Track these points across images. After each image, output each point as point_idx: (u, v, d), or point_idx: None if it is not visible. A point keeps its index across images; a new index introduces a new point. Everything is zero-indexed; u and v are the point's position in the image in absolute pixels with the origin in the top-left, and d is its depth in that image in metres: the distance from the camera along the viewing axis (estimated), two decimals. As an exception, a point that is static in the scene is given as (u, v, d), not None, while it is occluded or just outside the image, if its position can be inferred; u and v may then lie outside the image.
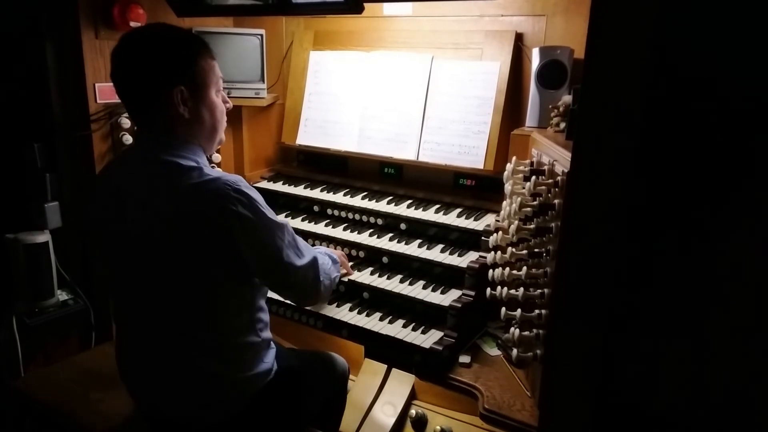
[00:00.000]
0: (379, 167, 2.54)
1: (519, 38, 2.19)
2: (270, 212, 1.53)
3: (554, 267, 1.40)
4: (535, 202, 1.58)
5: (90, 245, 1.68)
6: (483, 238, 1.99)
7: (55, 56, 2.20)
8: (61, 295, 2.36)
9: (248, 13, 2.44)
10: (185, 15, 2.39)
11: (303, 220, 2.42)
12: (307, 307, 2.07)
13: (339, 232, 2.28)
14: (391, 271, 2.13)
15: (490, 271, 1.79)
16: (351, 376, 2.32)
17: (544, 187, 1.53)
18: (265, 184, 2.59)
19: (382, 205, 2.29)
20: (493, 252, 1.82)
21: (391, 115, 2.40)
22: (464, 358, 1.86)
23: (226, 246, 1.45)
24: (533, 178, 1.55)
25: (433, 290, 1.99)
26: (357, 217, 2.33)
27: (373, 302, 2.08)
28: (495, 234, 1.83)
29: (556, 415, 1.43)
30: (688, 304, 1.25)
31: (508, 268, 1.66)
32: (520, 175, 1.78)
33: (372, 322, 1.97)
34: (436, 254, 2.06)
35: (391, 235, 2.23)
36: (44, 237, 2.23)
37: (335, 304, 2.09)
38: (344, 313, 2.03)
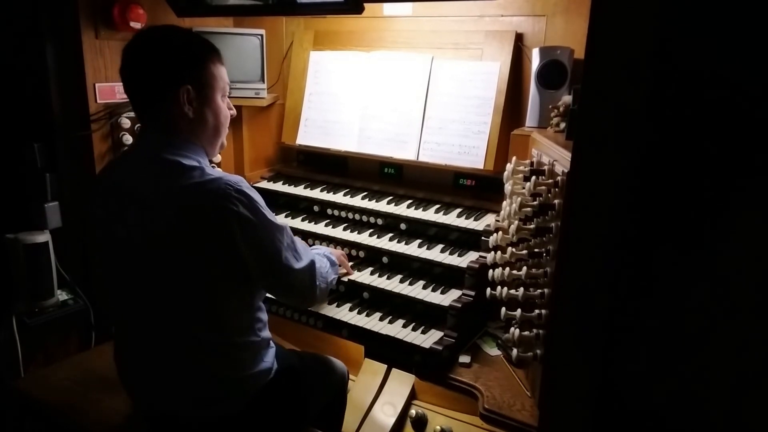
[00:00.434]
0: (379, 167, 2.54)
1: (519, 38, 2.19)
2: (270, 214, 1.53)
3: (554, 267, 1.40)
4: (535, 202, 1.58)
5: (90, 244, 1.68)
6: (483, 238, 1.99)
7: (55, 56, 2.20)
8: (61, 295, 2.36)
9: (248, 13, 2.44)
10: (185, 15, 2.39)
11: (303, 220, 2.42)
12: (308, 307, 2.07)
13: (339, 232, 2.28)
14: (391, 271, 2.13)
15: (490, 271, 1.79)
16: (351, 376, 2.32)
17: (544, 187, 1.53)
18: (265, 184, 2.59)
19: (382, 205, 2.29)
20: (493, 252, 1.82)
21: (391, 115, 2.40)
22: (464, 358, 1.86)
23: (226, 245, 1.45)
24: (533, 178, 1.55)
25: (433, 290, 1.99)
26: (357, 217, 2.33)
27: (373, 302, 2.07)
28: (495, 234, 1.83)
29: (556, 415, 1.43)
30: (688, 304, 1.25)
31: (508, 268, 1.66)
32: (520, 175, 1.78)
33: (372, 322, 1.97)
34: (436, 254, 2.06)
35: (391, 235, 2.23)
36: (44, 237, 2.23)
37: (335, 304, 2.09)
38: (344, 313, 2.03)
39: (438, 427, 2.32)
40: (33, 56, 2.20)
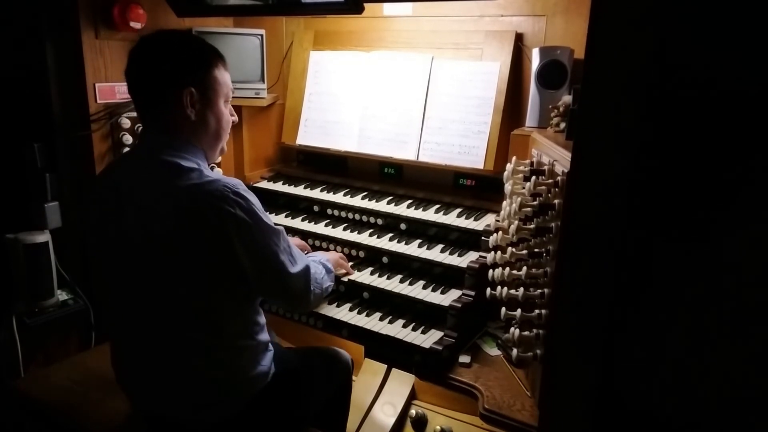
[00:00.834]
0: (379, 167, 2.54)
1: (519, 38, 2.19)
2: (267, 217, 1.54)
3: (554, 267, 1.40)
4: (535, 202, 1.58)
5: (89, 244, 1.68)
6: (483, 238, 1.99)
7: (55, 56, 2.20)
8: (61, 295, 2.36)
9: (248, 13, 2.44)
10: (185, 15, 2.39)
11: (303, 220, 2.42)
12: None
13: (339, 232, 2.28)
14: (391, 271, 2.13)
15: (490, 271, 1.79)
16: (352, 376, 2.31)
17: (544, 187, 1.53)
18: (265, 184, 2.59)
19: (382, 205, 2.29)
20: (493, 252, 1.82)
21: (391, 115, 2.40)
22: (464, 358, 1.86)
23: (222, 247, 1.45)
24: (533, 178, 1.55)
25: (433, 290, 1.99)
26: (357, 217, 2.33)
27: (373, 302, 2.07)
28: (495, 234, 1.83)
29: (556, 415, 1.43)
30: (689, 304, 1.25)
31: (508, 268, 1.66)
32: (520, 175, 1.78)
33: (372, 322, 1.97)
34: (436, 254, 2.06)
35: (391, 235, 2.23)
36: (44, 237, 2.23)
37: (335, 304, 2.09)
38: (344, 313, 2.03)
39: (438, 427, 2.32)
40: (33, 56, 2.20)
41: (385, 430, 2.38)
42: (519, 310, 1.57)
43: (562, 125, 1.78)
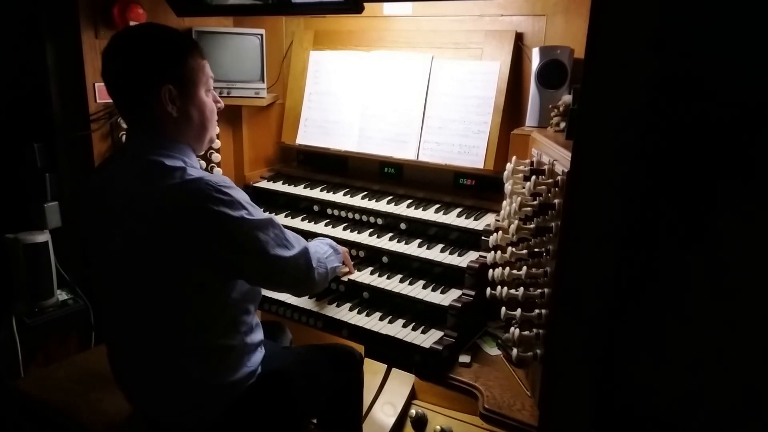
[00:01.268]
0: (379, 167, 2.54)
1: (519, 38, 2.19)
2: (254, 209, 1.50)
3: (554, 267, 1.40)
4: (535, 202, 1.58)
5: (86, 246, 1.68)
6: (483, 237, 1.99)
7: (55, 56, 2.20)
8: (61, 295, 2.36)
9: (248, 13, 2.44)
10: (185, 15, 2.39)
11: (303, 219, 2.42)
12: (307, 307, 2.07)
13: (339, 232, 2.28)
14: (391, 270, 2.13)
15: (490, 270, 1.79)
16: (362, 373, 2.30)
17: (544, 187, 1.53)
18: (264, 184, 2.59)
19: (382, 205, 2.29)
20: (493, 252, 1.82)
21: (391, 115, 2.40)
22: (464, 358, 1.86)
23: (207, 246, 1.43)
24: (533, 177, 1.55)
25: (433, 290, 1.99)
26: (357, 216, 2.33)
27: (373, 302, 2.07)
28: (495, 234, 1.83)
29: (556, 415, 1.43)
30: (689, 304, 1.25)
31: (508, 268, 1.66)
32: (520, 175, 1.78)
33: (372, 322, 1.97)
34: (436, 254, 2.06)
35: (391, 234, 2.23)
36: (44, 237, 2.23)
37: (335, 304, 2.09)
38: (344, 313, 2.03)
39: (438, 427, 2.32)
40: (33, 56, 2.20)
41: (385, 430, 2.39)
42: (519, 310, 1.57)
43: (562, 125, 1.78)
